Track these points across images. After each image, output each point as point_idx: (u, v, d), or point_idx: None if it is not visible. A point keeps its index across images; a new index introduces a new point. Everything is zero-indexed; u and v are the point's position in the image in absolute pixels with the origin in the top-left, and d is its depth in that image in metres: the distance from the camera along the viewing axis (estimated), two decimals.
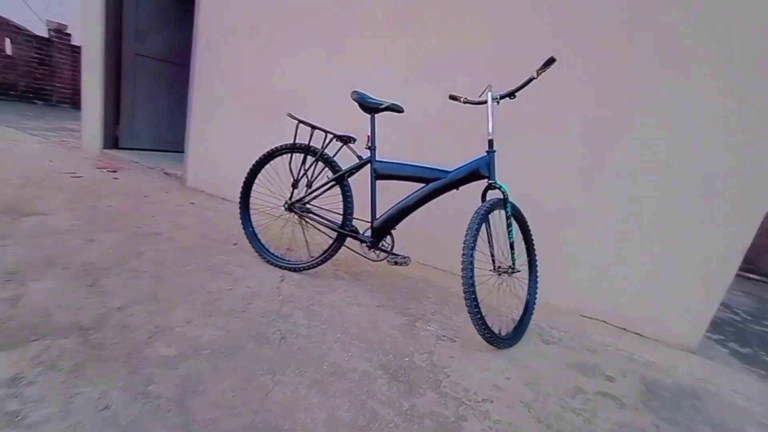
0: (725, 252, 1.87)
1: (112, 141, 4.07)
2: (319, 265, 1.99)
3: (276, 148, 2.04)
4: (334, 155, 1.96)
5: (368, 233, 1.90)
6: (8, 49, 7.33)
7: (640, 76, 1.93)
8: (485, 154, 1.70)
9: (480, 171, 1.70)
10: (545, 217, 2.12)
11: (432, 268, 2.49)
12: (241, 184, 2.14)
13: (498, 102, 1.72)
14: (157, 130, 4.41)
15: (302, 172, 1.98)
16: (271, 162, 2.07)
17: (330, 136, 1.90)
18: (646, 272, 2.02)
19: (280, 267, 2.05)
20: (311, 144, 1.96)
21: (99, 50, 3.74)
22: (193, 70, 3.19)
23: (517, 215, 1.79)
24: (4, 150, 3.47)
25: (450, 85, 2.18)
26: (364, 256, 1.92)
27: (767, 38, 1.73)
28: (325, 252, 1.97)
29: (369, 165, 1.86)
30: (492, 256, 1.76)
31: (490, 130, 1.69)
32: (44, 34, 7.88)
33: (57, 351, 1.16)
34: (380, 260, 1.89)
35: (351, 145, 1.91)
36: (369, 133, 1.85)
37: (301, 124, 1.96)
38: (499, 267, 1.76)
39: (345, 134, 1.90)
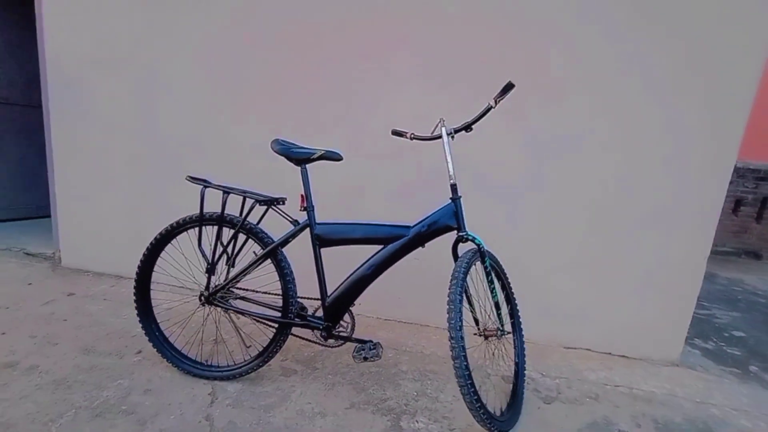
0: (690, 261, 1.83)
1: None
2: (261, 366, 1.53)
3: (178, 222, 1.52)
4: (258, 222, 1.52)
5: (320, 313, 1.49)
6: None
7: None
8: (449, 201, 1.41)
9: (446, 223, 1.41)
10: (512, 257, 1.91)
11: (396, 323, 2.15)
12: (134, 281, 1.58)
13: (452, 137, 1.44)
14: (6, 192, 3.40)
15: (219, 250, 1.50)
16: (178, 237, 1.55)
17: (251, 200, 1.46)
18: (622, 294, 1.92)
19: (207, 378, 1.54)
20: (226, 212, 1.49)
21: None
22: (47, 111, 2.43)
23: (495, 266, 1.53)
24: None
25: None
26: (321, 345, 1.50)
27: None
28: (265, 350, 1.51)
29: (308, 230, 1.45)
30: (475, 318, 1.48)
31: (451, 173, 1.40)
32: None
33: None
34: (339, 346, 1.49)
35: (281, 207, 1.48)
36: (303, 191, 1.44)
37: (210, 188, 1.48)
38: (484, 330, 1.48)
39: (269, 196, 1.47)
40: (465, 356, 1.18)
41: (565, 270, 1.95)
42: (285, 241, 1.47)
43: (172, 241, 1.57)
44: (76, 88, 2.38)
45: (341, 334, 1.46)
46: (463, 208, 1.40)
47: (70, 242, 2.58)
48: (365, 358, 1.35)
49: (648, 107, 1.77)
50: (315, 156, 1.43)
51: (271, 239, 1.50)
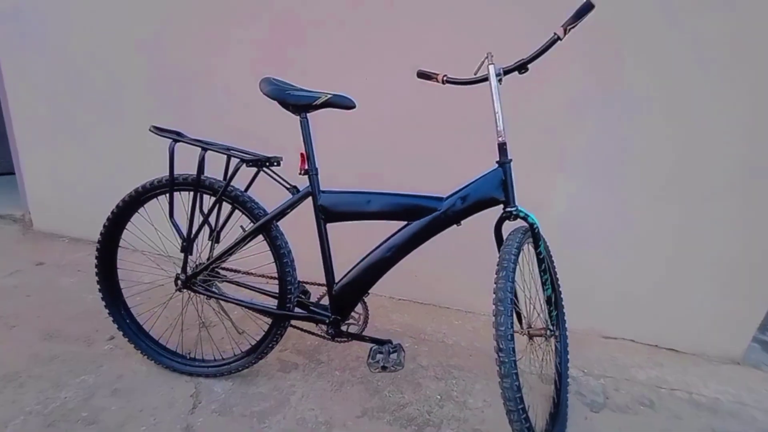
0: None
1: None
2: (254, 363, 1.26)
3: (144, 186, 1.20)
4: (247, 189, 1.19)
5: (326, 301, 1.21)
6: None
7: None
8: (495, 166, 1.07)
9: (491, 194, 1.07)
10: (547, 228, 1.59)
11: (412, 303, 1.88)
12: (95, 259, 1.27)
13: (501, 80, 1.07)
14: None
15: (199, 221, 1.19)
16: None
17: (236, 159, 1.12)
18: (674, 276, 1.61)
19: (190, 374, 1.29)
20: (205, 175, 1.16)
21: None
22: None
23: (547, 254, 1.21)
24: None
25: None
26: (327, 338, 1.22)
27: None
28: (259, 345, 1.24)
29: (311, 200, 1.13)
30: (517, 311, 1.19)
31: (500, 128, 1.04)
32: None
33: None
34: (349, 341, 1.22)
35: (273, 168, 1.15)
36: (304, 150, 1.10)
37: (183, 144, 1.14)
38: (529, 328, 1.19)
39: (260, 155, 1.13)
40: (516, 374, 0.89)
41: (608, 249, 1.64)
42: (281, 213, 1.14)
43: (140, 210, 1.25)
44: (27, 14, 1.95)
45: (350, 332, 1.18)
46: (513, 176, 1.07)
47: (40, 202, 2.28)
48: (384, 368, 1.07)
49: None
50: (318, 102, 1.07)
51: (263, 210, 1.17)
